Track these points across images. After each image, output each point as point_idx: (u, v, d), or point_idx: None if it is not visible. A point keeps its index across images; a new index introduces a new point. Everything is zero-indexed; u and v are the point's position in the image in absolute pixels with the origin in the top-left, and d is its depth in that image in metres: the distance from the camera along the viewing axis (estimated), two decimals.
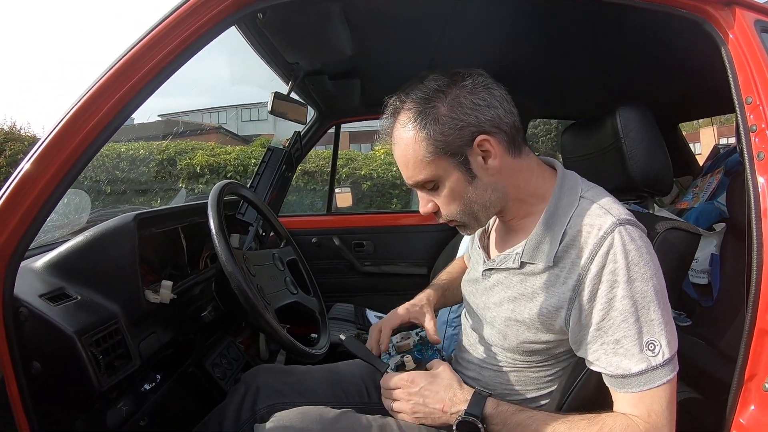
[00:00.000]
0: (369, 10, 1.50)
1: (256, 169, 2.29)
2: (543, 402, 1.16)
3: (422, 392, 1.09)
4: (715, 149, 2.75)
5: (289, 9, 1.09)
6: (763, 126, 1.01)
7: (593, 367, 1.01)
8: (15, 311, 0.94)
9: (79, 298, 1.13)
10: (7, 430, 0.86)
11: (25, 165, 0.89)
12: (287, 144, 2.39)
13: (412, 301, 1.41)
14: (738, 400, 1.02)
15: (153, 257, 1.55)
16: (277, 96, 2.04)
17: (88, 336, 1.06)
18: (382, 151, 7.99)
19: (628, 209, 1.06)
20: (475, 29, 1.64)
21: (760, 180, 0.99)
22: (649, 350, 0.94)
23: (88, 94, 0.92)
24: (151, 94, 0.97)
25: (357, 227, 3.14)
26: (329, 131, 3.04)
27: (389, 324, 1.34)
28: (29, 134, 10.18)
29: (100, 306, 1.16)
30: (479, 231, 1.32)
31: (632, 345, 0.95)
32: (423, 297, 1.43)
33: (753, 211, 0.99)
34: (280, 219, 2.94)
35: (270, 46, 1.74)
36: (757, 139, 1.02)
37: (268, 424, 1.11)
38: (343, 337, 1.27)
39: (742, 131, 1.05)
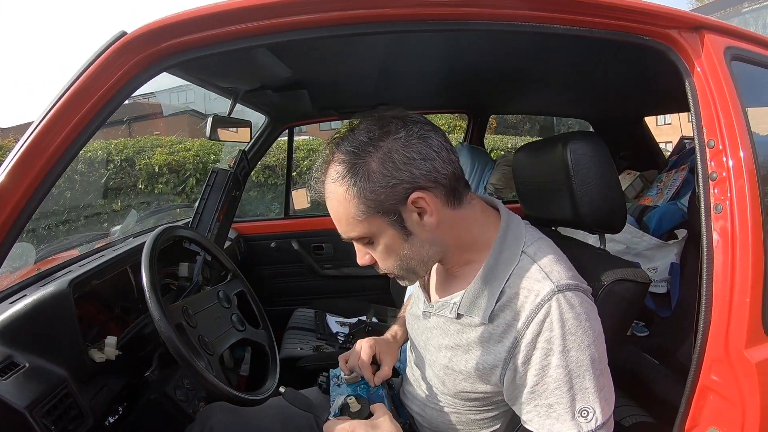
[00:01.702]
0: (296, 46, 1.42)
1: (201, 193, 2.20)
2: None
3: None
4: (681, 144, 2.74)
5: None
6: (724, 175, 0.95)
7: (527, 426, 0.99)
8: None
9: (27, 365, 1.14)
10: None
11: None
12: (232, 164, 2.29)
13: (381, 337, 1.39)
14: None
15: (103, 298, 1.56)
16: (216, 120, 1.95)
17: (39, 408, 1.07)
18: None
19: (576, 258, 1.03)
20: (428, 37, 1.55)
21: (715, 237, 0.94)
22: (582, 417, 0.93)
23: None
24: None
25: (316, 230, 3.11)
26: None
27: (354, 361, 1.31)
28: None
29: (48, 372, 1.17)
30: None
31: (564, 411, 0.93)
32: (389, 336, 1.42)
33: (705, 270, 0.95)
34: (236, 225, 2.88)
35: (199, 78, 1.67)
36: (716, 190, 0.96)
37: None
38: (282, 390, 1.25)
39: (701, 178, 0.99)
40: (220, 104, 2.13)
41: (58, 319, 1.24)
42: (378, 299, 2.94)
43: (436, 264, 1.18)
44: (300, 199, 3.06)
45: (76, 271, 1.42)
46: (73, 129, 0.91)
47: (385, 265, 1.05)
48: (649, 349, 2.09)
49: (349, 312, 2.76)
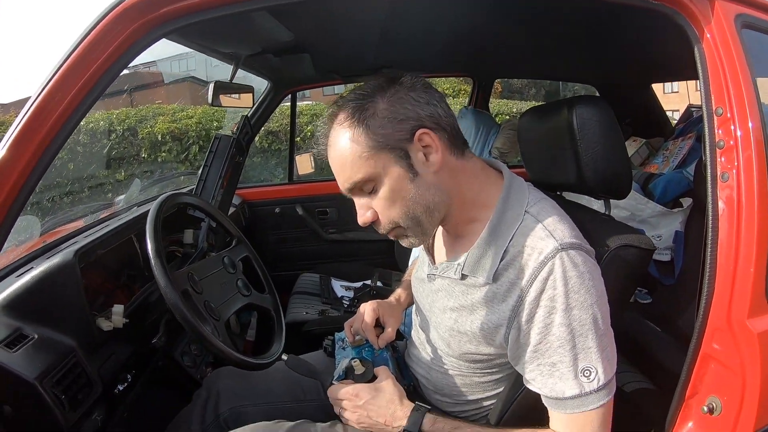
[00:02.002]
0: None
1: (204, 160, 2.18)
2: (488, 403, 1.18)
3: (366, 406, 1.10)
4: (688, 111, 2.69)
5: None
6: (731, 143, 0.93)
7: (530, 386, 1.01)
8: None
9: (36, 337, 1.15)
10: None
11: None
12: (235, 130, 2.27)
13: (384, 300, 1.41)
14: (678, 414, 1.03)
15: (109, 267, 1.58)
16: (218, 86, 1.92)
17: (49, 378, 1.09)
18: None
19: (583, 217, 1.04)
20: None
21: (721, 205, 0.93)
22: (584, 376, 0.93)
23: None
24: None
25: (320, 195, 3.11)
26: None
27: (358, 324, 1.34)
28: None
29: (57, 342, 1.18)
30: None
31: (567, 370, 0.94)
32: (393, 299, 1.44)
33: (710, 239, 0.94)
34: (240, 191, 2.88)
35: (199, 44, 1.64)
36: (723, 158, 0.94)
37: None
38: (285, 357, 1.30)
39: (708, 145, 0.97)
40: (222, 71, 2.11)
41: (65, 290, 1.25)
42: (382, 263, 2.96)
43: (440, 229, 1.19)
44: (304, 164, 3.06)
45: (82, 241, 1.43)
46: (72, 99, 0.89)
47: (388, 215, 1.02)
48: (651, 316, 2.10)
49: (353, 276, 2.78)
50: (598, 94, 3.10)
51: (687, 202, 2.14)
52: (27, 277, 1.22)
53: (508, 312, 0.99)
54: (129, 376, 1.45)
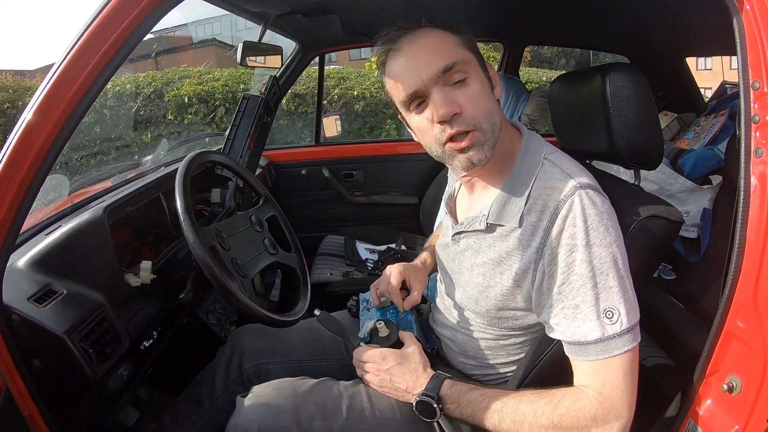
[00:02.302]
0: None
1: (232, 120, 2.19)
2: (510, 369, 1.19)
3: (390, 371, 1.13)
4: (722, 87, 2.61)
5: None
6: (767, 119, 0.91)
7: (553, 334, 1.01)
8: (8, 318, 1.01)
9: (65, 292, 1.16)
10: (17, 422, 0.97)
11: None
12: (263, 90, 2.27)
13: (410, 263, 1.43)
14: (697, 391, 1.01)
15: (137, 224, 1.59)
16: (247, 46, 1.92)
17: (78, 332, 1.10)
18: (375, 65, 7.57)
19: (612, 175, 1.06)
20: None
21: (753, 181, 0.91)
22: (607, 318, 0.93)
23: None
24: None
25: (346, 157, 3.11)
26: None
27: (384, 286, 1.36)
28: None
29: (85, 298, 1.19)
30: (446, 196, 1.35)
31: (590, 311, 0.94)
32: (419, 262, 1.46)
33: (740, 215, 0.92)
34: (267, 152, 2.89)
35: (228, 3, 1.63)
36: (758, 133, 0.91)
37: (246, 401, 1.15)
38: (317, 312, 1.31)
39: (743, 119, 0.94)
40: (247, 35, 2.09)
41: (94, 246, 1.27)
42: (407, 227, 2.97)
43: (461, 187, 1.26)
44: (331, 127, 3.05)
45: (110, 199, 1.43)
46: (98, 62, 0.90)
47: (473, 113, 0.99)
48: (674, 292, 2.08)
49: (378, 239, 2.80)
50: None
51: (717, 179, 2.10)
52: (56, 234, 1.24)
53: (533, 255, 1.00)
54: (155, 333, 1.48)
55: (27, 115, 0.91)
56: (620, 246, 0.96)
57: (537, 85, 5.05)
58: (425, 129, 1.04)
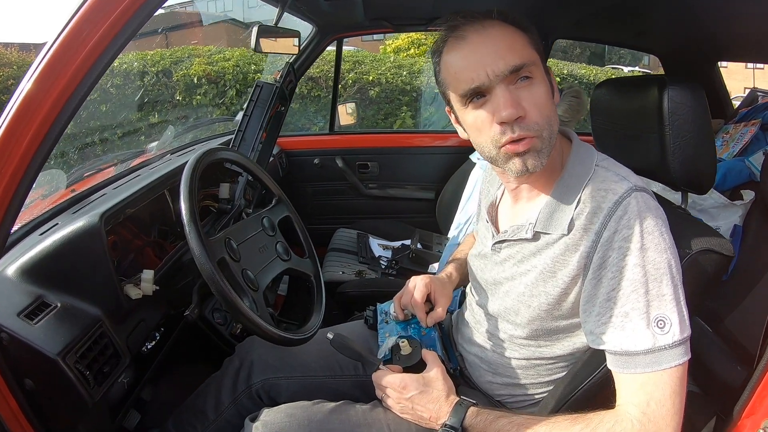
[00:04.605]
0: None
1: (243, 110, 2.07)
2: (539, 390, 1.15)
3: (413, 399, 1.08)
4: (753, 95, 2.47)
5: None
6: None
7: (598, 345, 0.95)
8: None
9: (59, 305, 1.10)
10: None
11: None
12: (278, 78, 2.15)
13: (436, 276, 1.35)
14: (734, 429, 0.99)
15: (139, 223, 1.51)
16: (262, 30, 1.81)
17: (72, 353, 1.03)
18: (390, 48, 7.46)
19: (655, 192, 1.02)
20: None
21: None
22: (658, 327, 0.88)
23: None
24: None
25: (361, 148, 3.04)
26: None
27: (407, 299, 1.30)
28: None
29: (81, 312, 1.12)
30: (487, 204, 1.27)
31: (640, 319, 0.89)
32: (444, 275, 1.39)
33: None
34: (279, 140, 2.79)
35: None
36: None
37: (256, 424, 1.11)
38: (330, 336, 1.24)
39: None
40: (260, 13, 1.99)
41: (90, 256, 1.19)
42: (422, 224, 2.89)
43: (503, 195, 1.22)
44: (346, 115, 2.97)
45: (108, 201, 1.34)
46: (109, 29, 0.81)
47: (536, 117, 0.95)
48: (698, 312, 1.98)
49: (392, 235, 2.72)
50: (661, 64, 2.88)
51: (748, 195, 1.99)
52: (49, 241, 1.16)
53: (582, 260, 0.96)
54: (157, 335, 1.43)
55: (26, 85, 0.81)
56: (675, 254, 0.91)
57: (569, 85, 4.90)
58: (481, 127, 0.98)
